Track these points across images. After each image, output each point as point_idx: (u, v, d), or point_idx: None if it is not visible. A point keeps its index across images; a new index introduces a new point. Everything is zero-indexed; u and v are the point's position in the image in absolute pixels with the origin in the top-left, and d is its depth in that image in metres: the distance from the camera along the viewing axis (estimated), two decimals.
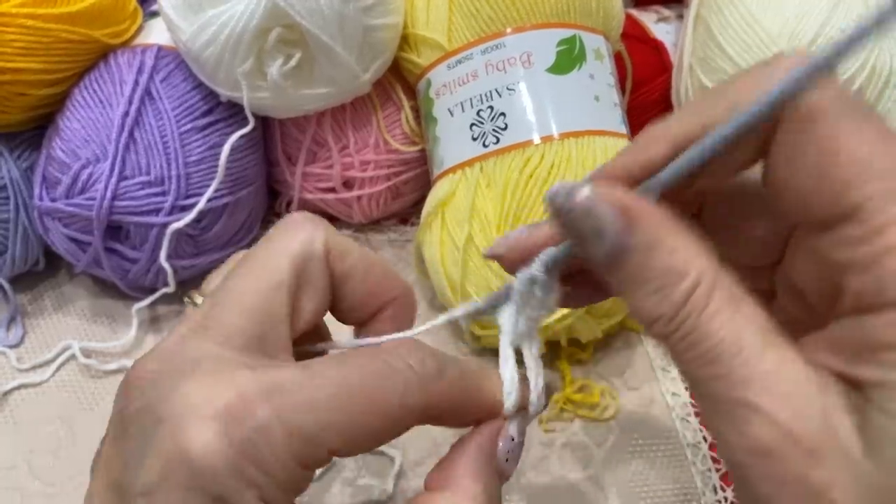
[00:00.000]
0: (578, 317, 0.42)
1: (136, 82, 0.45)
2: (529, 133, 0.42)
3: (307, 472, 0.20)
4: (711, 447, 0.42)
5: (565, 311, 0.41)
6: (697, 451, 0.42)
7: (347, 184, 0.51)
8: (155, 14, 0.51)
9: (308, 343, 0.25)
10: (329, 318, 0.26)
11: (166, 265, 0.45)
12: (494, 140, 0.43)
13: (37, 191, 0.46)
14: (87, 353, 0.47)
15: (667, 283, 0.19)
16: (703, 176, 0.20)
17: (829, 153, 0.17)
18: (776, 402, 0.17)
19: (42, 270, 0.51)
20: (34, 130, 0.48)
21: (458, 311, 0.25)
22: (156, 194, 0.44)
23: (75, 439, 0.43)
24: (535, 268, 0.22)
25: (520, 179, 0.41)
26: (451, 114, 0.45)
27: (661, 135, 0.20)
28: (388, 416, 0.20)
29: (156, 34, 0.49)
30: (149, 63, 0.46)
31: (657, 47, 0.55)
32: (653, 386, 0.45)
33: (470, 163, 0.44)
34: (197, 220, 0.45)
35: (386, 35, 0.46)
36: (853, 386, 0.18)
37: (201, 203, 0.44)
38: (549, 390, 0.24)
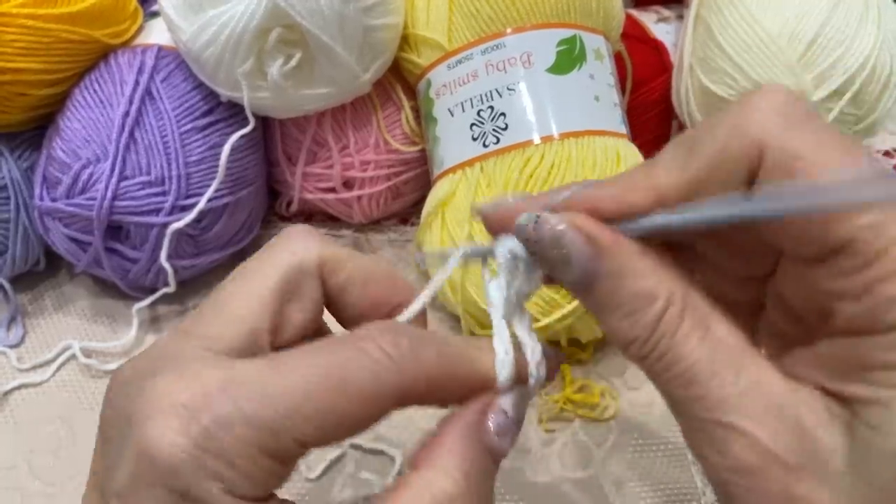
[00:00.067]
0: (578, 317, 0.42)
1: (137, 82, 0.45)
2: (529, 133, 0.42)
3: (277, 463, 0.19)
4: None
5: (565, 311, 0.41)
6: None
7: (347, 184, 0.51)
8: (155, 14, 0.51)
9: None
10: (338, 328, 0.26)
11: (166, 265, 0.45)
12: (494, 140, 0.43)
13: (37, 191, 0.46)
14: (87, 353, 0.47)
15: (637, 306, 0.19)
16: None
17: None
18: (754, 422, 0.18)
19: (42, 270, 0.51)
20: (35, 130, 0.49)
21: (442, 274, 0.24)
22: (156, 194, 0.44)
23: (75, 439, 0.43)
24: (512, 242, 0.22)
25: (520, 179, 0.41)
26: (452, 114, 0.45)
27: (645, 184, 0.20)
28: (361, 400, 0.19)
29: (156, 34, 0.49)
30: (149, 63, 0.46)
31: (657, 47, 0.55)
32: (653, 386, 0.45)
33: (470, 163, 0.44)
34: (197, 220, 0.45)
35: (386, 35, 0.46)
36: (839, 401, 0.18)
37: (201, 203, 0.44)
38: (551, 361, 0.23)
